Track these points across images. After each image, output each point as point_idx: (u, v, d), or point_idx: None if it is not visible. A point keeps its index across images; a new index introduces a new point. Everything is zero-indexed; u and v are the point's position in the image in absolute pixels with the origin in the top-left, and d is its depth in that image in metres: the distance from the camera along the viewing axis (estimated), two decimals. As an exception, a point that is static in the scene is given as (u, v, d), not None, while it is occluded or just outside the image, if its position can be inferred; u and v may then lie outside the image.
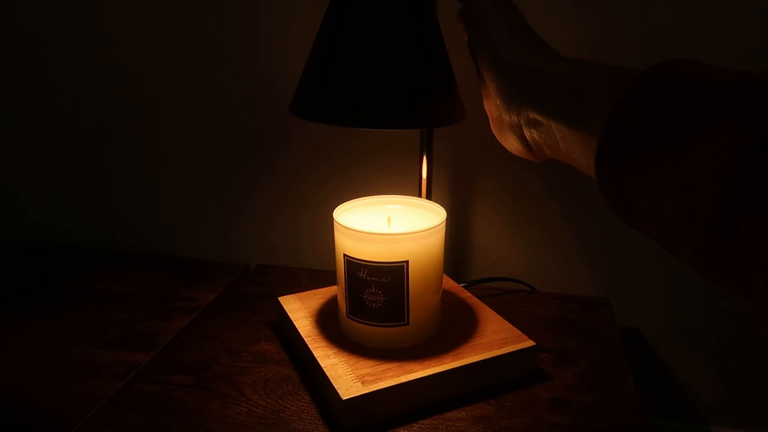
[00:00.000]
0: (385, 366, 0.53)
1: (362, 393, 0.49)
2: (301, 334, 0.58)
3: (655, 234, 0.32)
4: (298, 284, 0.76)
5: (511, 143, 0.46)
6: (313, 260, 0.84)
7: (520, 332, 0.58)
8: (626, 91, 0.33)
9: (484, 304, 0.64)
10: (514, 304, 0.71)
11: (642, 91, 0.32)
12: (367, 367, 0.53)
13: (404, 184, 0.76)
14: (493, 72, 0.45)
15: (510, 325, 0.60)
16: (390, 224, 0.59)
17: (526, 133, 0.43)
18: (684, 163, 0.29)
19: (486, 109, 0.50)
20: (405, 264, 0.53)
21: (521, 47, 0.44)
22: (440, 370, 0.52)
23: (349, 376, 0.51)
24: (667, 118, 0.31)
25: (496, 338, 0.57)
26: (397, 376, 0.51)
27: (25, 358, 0.61)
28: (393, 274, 0.53)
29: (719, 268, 0.29)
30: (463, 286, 0.69)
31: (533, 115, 0.42)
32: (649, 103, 0.32)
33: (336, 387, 0.50)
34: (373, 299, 0.54)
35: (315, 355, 0.54)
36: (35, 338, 0.65)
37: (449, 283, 0.69)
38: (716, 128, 0.28)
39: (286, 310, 0.62)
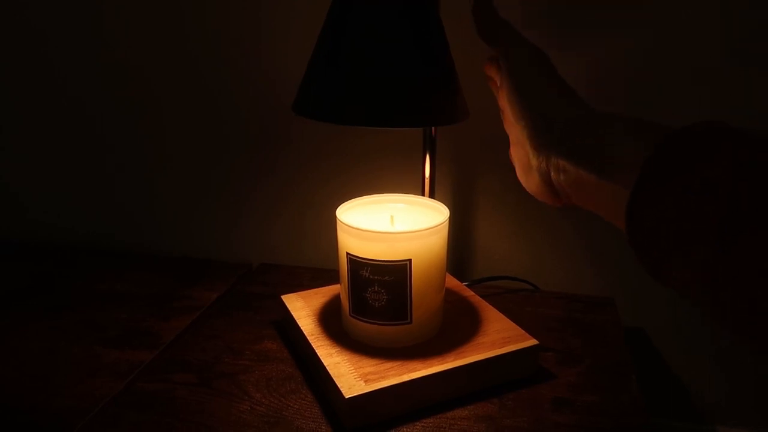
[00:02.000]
0: (388, 365, 0.52)
1: (365, 392, 0.49)
2: (304, 332, 0.58)
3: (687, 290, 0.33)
4: (301, 284, 0.76)
5: (537, 189, 0.47)
6: (314, 260, 0.84)
7: (523, 331, 0.58)
8: (655, 147, 0.33)
9: (487, 303, 0.64)
10: (517, 304, 0.71)
11: (669, 149, 0.33)
12: (369, 365, 0.52)
13: (406, 183, 0.76)
14: (525, 118, 0.45)
15: (513, 324, 0.59)
16: (393, 223, 0.59)
17: (555, 180, 0.43)
18: (690, 186, 0.30)
19: (512, 154, 0.50)
20: (408, 262, 0.53)
21: (553, 96, 0.45)
22: (443, 369, 0.52)
23: (351, 375, 0.51)
24: (685, 167, 0.31)
25: (499, 337, 0.57)
26: (400, 375, 0.51)
27: (25, 358, 0.61)
28: (396, 273, 0.53)
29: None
30: (466, 285, 0.69)
31: (563, 164, 0.42)
32: (674, 162, 0.32)
33: (339, 385, 0.49)
34: (376, 298, 0.54)
35: (318, 354, 0.54)
36: (35, 338, 0.65)
37: (452, 281, 0.69)
38: (718, 151, 0.30)
39: (289, 309, 0.62)
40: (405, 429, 0.50)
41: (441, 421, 0.51)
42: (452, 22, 0.56)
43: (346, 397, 0.48)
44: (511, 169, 0.53)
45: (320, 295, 0.65)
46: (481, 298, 0.65)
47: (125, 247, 0.90)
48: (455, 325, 0.59)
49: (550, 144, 0.43)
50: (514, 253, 0.79)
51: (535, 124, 0.45)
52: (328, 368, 0.52)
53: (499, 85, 0.50)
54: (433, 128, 0.67)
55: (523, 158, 0.47)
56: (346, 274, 0.55)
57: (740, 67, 0.66)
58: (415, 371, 0.51)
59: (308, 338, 0.57)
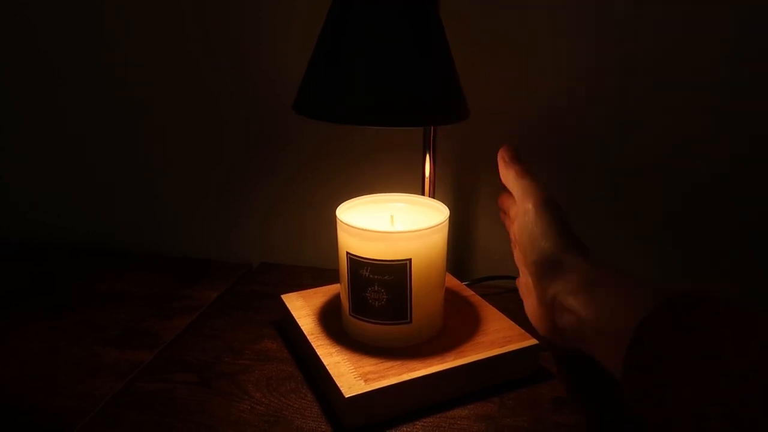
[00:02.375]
0: (388, 364, 0.52)
1: (365, 391, 0.49)
2: (304, 331, 0.58)
3: None
4: (301, 283, 0.76)
5: (542, 324, 0.52)
6: (314, 260, 0.84)
7: (523, 330, 0.58)
8: (643, 318, 0.38)
9: (487, 303, 0.64)
10: (517, 303, 0.70)
11: (658, 317, 0.37)
12: (369, 365, 0.52)
13: (406, 183, 0.76)
14: (534, 255, 0.51)
15: (513, 324, 0.59)
16: (393, 222, 0.59)
17: (558, 320, 0.48)
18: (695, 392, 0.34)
19: (522, 286, 0.57)
20: (408, 262, 0.53)
21: (560, 239, 0.50)
22: (443, 369, 0.52)
23: (351, 374, 0.51)
24: (678, 347, 0.35)
25: (499, 336, 0.57)
26: (400, 375, 0.51)
27: (25, 358, 0.61)
28: (396, 272, 0.53)
29: None
30: (466, 285, 0.69)
31: (566, 305, 0.46)
32: (662, 330, 0.37)
33: (339, 385, 0.49)
34: (376, 297, 0.54)
35: (318, 353, 0.54)
36: (35, 338, 0.65)
37: (452, 281, 0.69)
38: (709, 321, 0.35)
39: (289, 308, 0.62)
40: (405, 428, 0.50)
41: (441, 420, 0.51)
42: (452, 22, 0.56)
43: (346, 396, 0.48)
44: (520, 301, 0.59)
45: (320, 295, 0.65)
46: (481, 298, 0.65)
47: (125, 247, 0.90)
48: (455, 324, 0.59)
49: (555, 285, 0.48)
50: (513, 252, 0.79)
51: (542, 264, 0.50)
52: (327, 368, 0.52)
53: (512, 217, 0.57)
54: (433, 128, 0.67)
55: (531, 292, 0.53)
56: (346, 273, 0.55)
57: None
58: (415, 371, 0.51)
59: (308, 338, 0.57)
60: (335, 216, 0.56)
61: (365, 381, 0.50)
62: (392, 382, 0.50)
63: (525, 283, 0.56)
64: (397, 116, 0.48)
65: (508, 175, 0.56)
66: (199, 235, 0.88)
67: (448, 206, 0.58)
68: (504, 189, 0.58)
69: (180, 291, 0.76)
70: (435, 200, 0.61)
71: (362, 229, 0.53)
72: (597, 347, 0.44)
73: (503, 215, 0.61)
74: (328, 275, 0.78)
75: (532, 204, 0.52)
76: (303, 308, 0.62)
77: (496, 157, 0.58)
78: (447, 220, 0.56)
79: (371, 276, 0.53)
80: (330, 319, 0.60)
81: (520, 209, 0.54)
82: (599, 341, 0.43)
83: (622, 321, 0.40)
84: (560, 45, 0.69)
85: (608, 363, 0.42)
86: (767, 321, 0.34)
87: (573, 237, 0.51)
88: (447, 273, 0.60)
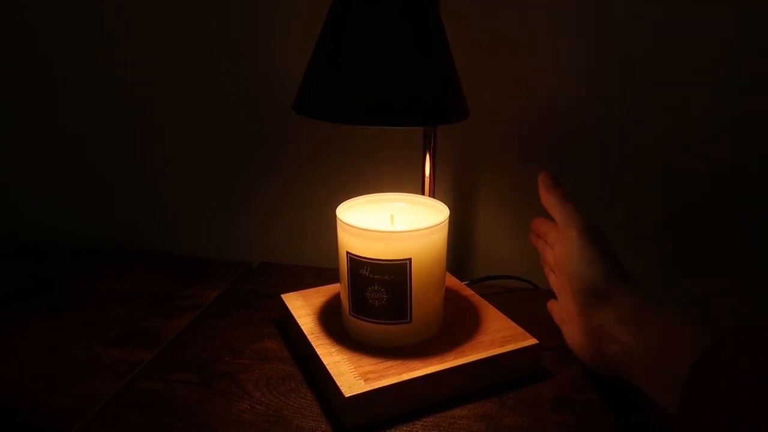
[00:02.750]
0: (388, 363, 0.52)
1: (365, 390, 0.49)
2: (304, 331, 0.58)
3: None
4: (301, 282, 0.76)
5: (586, 351, 0.52)
6: (314, 259, 0.84)
7: (523, 330, 0.58)
8: (703, 350, 0.37)
9: (487, 302, 0.64)
10: (517, 303, 0.70)
11: (717, 353, 0.37)
12: (369, 364, 0.52)
13: (406, 183, 0.76)
14: (580, 284, 0.51)
15: (513, 323, 0.59)
16: (393, 222, 0.59)
17: (605, 349, 0.48)
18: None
19: (559, 311, 0.56)
20: (408, 262, 0.53)
21: (607, 268, 0.50)
22: (443, 368, 0.52)
23: (351, 374, 0.51)
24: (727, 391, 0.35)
25: (500, 336, 0.57)
26: (400, 374, 0.51)
27: (25, 358, 0.61)
28: (396, 272, 0.53)
29: None
30: (466, 284, 0.69)
31: (615, 333, 0.47)
32: (722, 369, 0.36)
33: (339, 384, 0.49)
34: (376, 297, 0.54)
35: (318, 353, 0.54)
36: (35, 338, 0.65)
37: (452, 281, 0.69)
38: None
39: (289, 308, 0.62)
40: (405, 428, 0.50)
41: (441, 420, 0.51)
42: (452, 22, 0.56)
43: (346, 396, 0.48)
44: (555, 327, 0.58)
45: (320, 294, 0.65)
46: (481, 297, 0.65)
47: (125, 247, 0.90)
48: (455, 324, 0.59)
49: (602, 313, 0.48)
50: (514, 251, 0.79)
51: (589, 292, 0.50)
52: (327, 367, 0.52)
53: (551, 242, 0.56)
54: (433, 128, 0.67)
55: (573, 319, 0.52)
56: (346, 273, 0.55)
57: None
58: (415, 370, 0.51)
59: (308, 337, 0.57)
60: (335, 216, 0.56)
61: (365, 381, 0.50)
62: (392, 382, 0.50)
63: (566, 310, 0.55)
64: (397, 116, 0.48)
65: (549, 200, 0.56)
66: (199, 235, 0.88)
67: (448, 206, 0.58)
68: (545, 213, 0.58)
69: (180, 291, 0.76)
70: (435, 200, 0.61)
71: (362, 229, 0.53)
72: (644, 379, 0.44)
73: (535, 238, 0.61)
74: (328, 275, 0.78)
75: (577, 231, 0.52)
76: (303, 308, 0.62)
77: (537, 182, 0.58)
78: (447, 220, 0.56)
79: (371, 276, 0.53)
80: (330, 318, 0.60)
81: (564, 235, 0.53)
82: (647, 373, 0.43)
83: (673, 360, 0.40)
84: (560, 45, 0.69)
85: (655, 395, 0.42)
86: None
87: (620, 266, 0.51)
88: (447, 273, 0.60)
